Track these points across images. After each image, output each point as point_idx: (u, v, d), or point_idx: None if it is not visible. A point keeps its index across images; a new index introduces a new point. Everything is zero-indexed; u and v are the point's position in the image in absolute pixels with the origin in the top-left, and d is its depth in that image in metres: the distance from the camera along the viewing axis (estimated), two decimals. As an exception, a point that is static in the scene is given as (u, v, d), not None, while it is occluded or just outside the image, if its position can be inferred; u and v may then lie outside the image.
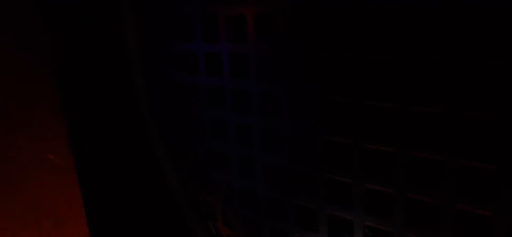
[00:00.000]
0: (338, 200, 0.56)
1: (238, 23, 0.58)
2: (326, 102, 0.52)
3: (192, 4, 0.62)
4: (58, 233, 0.85)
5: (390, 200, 0.52)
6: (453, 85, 0.42)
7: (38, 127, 0.78)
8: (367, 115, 0.50)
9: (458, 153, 0.44)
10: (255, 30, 0.56)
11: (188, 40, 0.64)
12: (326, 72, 0.52)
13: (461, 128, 0.44)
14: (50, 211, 0.84)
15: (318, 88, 0.53)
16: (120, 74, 0.79)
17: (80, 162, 0.77)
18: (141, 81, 0.77)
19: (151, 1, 0.69)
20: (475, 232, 0.48)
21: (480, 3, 0.37)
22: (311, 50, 0.51)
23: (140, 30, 0.74)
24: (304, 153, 0.57)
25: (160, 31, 0.71)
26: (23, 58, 0.72)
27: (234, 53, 0.58)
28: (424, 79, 0.45)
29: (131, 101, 0.80)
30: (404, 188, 0.50)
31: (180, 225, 0.81)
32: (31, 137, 0.79)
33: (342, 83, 0.50)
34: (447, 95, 0.43)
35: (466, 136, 0.44)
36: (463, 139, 0.44)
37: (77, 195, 0.80)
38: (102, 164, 0.79)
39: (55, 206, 0.84)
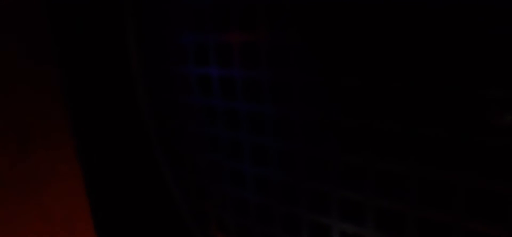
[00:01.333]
0: (318, 207, 0.62)
1: (228, 49, 0.64)
2: (306, 121, 0.58)
3: (187, 33, 0.68)
4: (69, 239, 0.91)
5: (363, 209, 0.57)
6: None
7: (51, 137, 0.84)
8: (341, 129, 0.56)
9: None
10: (241, 55, 0.62)
11: (183, 63, 0.71)
12: (305, 94, 0.58)
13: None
14: (62, 218, 0.90)
15: (298, 107, 0.59)
16: (124, 88, 0.84)
17: (86, 171, 0.82)
18: (144, 96, 0.84)
19: (152, 30, 0.76)
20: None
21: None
22: (289, 74, 0.57)
23: (142, 51, 0.81)
24: (287, 165, 0.62)
25: (160, 54, 0.78)
26: (33, 69, 0.77)
27: (223, 76, 0.64)
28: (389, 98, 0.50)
29: (135, 114, 0.86)
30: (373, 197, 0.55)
31: (181, 230, 0.87)
32: (45, 147, 0.85)
33: (316, 102, 0.56)
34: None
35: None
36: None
37: (86, 203, 0.86)
38: (108, 172, 0.85)
39: (66, 214, 0.90)
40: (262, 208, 0.70)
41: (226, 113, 0.68)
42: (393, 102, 0.50)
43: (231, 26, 0.61)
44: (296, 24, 0.55)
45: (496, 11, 0.39)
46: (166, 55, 0.75)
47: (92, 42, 0.79)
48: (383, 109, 0.51)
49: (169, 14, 0.71)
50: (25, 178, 0.89)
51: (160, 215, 0.89)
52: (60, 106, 0.81)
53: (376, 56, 0.49)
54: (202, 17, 0.64)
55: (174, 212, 0.87)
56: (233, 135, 0.67)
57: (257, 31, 0.58)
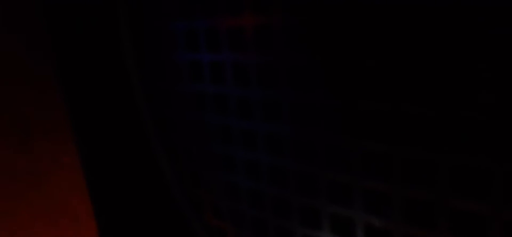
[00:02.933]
0: (308, 191, 0.63)
1: (217, 35, 0.65)
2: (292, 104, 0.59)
3: (177, 20, 0.69)
4: (73, 229, 0.94)
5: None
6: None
7: (53, 131, 0.86)
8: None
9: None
10: (231, 41, 0.63)
11: (174, 50, 0.72)
12: (293, 77, 0.59)
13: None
14: (66, 209, 0.93)
15: (289, 91, 0.59)
16: (120, 80, 0.86)
17: (86, 162, 0.84)
18: (139, 88, 0.85)
19: (145, 19, 0.77)
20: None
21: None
22: (279, 59, 0.58)
23: (136, 42, 0.82)
24: (275, 149, 0.63)
25: (154, 44, 0.79)
26: (32, 64, 0.79)
27: (213, 61, 0.65)
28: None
29: (131, 105, 0.87)
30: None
31: (177, 217, 0.88)
32: (46, 140, 0.87)
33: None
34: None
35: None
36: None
37: (86, 192, 0.88)
38: (106, 163, 0.87)
39: (70, 204, 0.92)
40: (253, 193, 0.70)
41: (217, 100, 0.69)
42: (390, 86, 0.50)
43: (219, 12, 0.62)
44: (281, 8, 0.55)
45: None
46: (159, 44, 0.77)
47: (87, 37, 0.81)
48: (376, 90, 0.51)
49: (161, 3, 0.72)
50: (28, 170, 0.91)
51: (157, 203, 0.91)
52: (59, 101, 0.83)
53: (368, 42, 0.49)
54: (192, 4, 0.65)
55: (170, 199, 0.89)
56: (224, 121, 0.68)
57: (243, 16, 0.58)
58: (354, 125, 0.54)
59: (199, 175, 0.80)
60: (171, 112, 0.80)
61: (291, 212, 0.66)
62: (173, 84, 0.75)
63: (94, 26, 0.80)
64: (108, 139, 0.86)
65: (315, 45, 0.54)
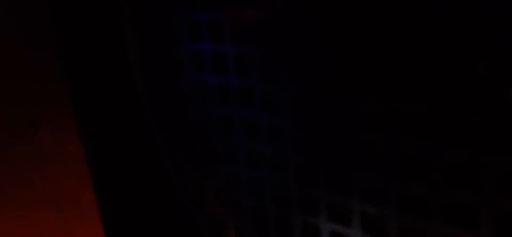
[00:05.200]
0: (306, 181, 0.64)
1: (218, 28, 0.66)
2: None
3: (180, 12, 0.70)
4: (77, 216, 0.95)
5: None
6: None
7: (55, 120, 0.87)
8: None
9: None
10: (233, 34, 0.64)
11: (176, 42, 0.73)
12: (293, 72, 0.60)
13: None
14: (69, 195, 0.94)
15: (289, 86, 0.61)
16: (122, 73, 0.87)
17: (90, 152, 0.86)
18: (142, 79, 0.86)
19: (147, 16, 0.78)
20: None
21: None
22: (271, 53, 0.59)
23: (139, 35, 0.83)
24: (275, 140, 0.65)
25: (156, 36, 0.80)
26: (36, 58, 0.81)
27: (215, 52, 0.66)
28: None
29: (135, 100, 0.88)
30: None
31: (178, 210, 0.90)
32: (50, 129, 0.88)
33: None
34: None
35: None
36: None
37: (90, 181, 0.89)
38: (107, 156, 0.88)
39: (73, 191, 0.93)
40: (253, 183, 0.72)
41: (218, 91, 0.70)
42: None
43: (221, 5, 0.63)
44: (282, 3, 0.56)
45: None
46: (161, 36, 0.78)
47: (90, 31, 0.82)
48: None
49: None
50: (31, 159, 0.92)
51: (158, 193, 0.93)
52: (62, 91, 0.84)
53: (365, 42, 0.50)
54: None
55: (171, 191, 0.90)
56: (225, 111, 0.69)
57: (245, 10, 0.59)
58: (353, 119, 0.55)
59: (199, 164, 0.82)
60: (173, 102, 0.81)
61: (290, 202, 0.67)
62: (175, 75, 0.77)
63: (97, 21, 0.81)
64: (110, 130, 0.88)
65: (315, 40, 0.55)
